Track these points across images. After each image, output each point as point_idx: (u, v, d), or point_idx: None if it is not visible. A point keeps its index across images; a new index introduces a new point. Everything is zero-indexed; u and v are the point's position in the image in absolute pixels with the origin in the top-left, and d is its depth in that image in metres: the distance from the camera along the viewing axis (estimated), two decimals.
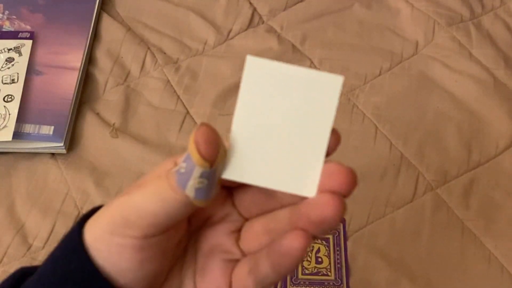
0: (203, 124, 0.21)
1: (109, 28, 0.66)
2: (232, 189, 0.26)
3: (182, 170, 0.21)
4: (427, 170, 0.55)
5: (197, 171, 0.21)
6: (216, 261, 0.25)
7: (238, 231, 0.26)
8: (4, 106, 0.57)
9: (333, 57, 0.63)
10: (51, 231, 0.52)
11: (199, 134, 0.21)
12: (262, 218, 0.25)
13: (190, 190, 0.22)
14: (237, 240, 0.26)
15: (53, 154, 0.57)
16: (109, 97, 0.61)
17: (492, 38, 0.64)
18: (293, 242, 0.22)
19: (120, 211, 0.23)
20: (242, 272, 0.25)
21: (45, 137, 0.56)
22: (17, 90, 0.58)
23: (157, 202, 0.22)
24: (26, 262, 0.50)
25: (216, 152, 0.21)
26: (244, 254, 0.25)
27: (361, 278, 0.49)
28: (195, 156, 0.21)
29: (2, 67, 0.60)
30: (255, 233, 0.25)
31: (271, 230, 0.24)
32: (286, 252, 0.22)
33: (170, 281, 0.26)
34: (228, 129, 0.23)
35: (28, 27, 0.64)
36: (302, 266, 0.50)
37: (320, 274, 0.50)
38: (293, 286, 0.49)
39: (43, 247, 0.52)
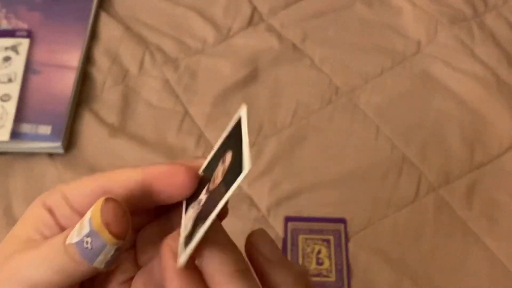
0: (108, 200, 0.20)
1: (107, 27, 0.66)
2: None
3: (87, 246, 0.20)
4: (429, 171, 0.54)
5: (109, 249, 0.20)
6: None
7: (130, 279, 0.25)
8: (1, 106, 0.57)
9: (334, 56, 0.63)
10: None
11: (108, 213, 0.20)
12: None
13: (99, 263, 0.20)
14: None
15: (50, 154, 0.57)
16: (107, 96, 0.61)
17: (495, 37, 0.64)
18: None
19: (9, 280, 0.21)
20: None
21: (42, 137, 0.56)
22: (14, 89, 0.58)
23: (56, 273, 0.21)
24: None
25: (128, 226, 0.20)
26: None
27: (362, 279, 0.49)
28: (106, 236, 0.20)
29: None
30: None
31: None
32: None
33: None
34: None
35: (25, 26, 0.64)
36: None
37: (321, 275, 0.49)
38: None
39: None
